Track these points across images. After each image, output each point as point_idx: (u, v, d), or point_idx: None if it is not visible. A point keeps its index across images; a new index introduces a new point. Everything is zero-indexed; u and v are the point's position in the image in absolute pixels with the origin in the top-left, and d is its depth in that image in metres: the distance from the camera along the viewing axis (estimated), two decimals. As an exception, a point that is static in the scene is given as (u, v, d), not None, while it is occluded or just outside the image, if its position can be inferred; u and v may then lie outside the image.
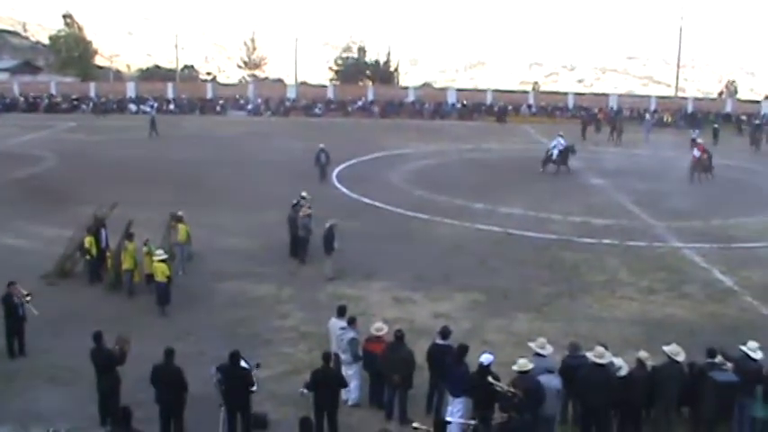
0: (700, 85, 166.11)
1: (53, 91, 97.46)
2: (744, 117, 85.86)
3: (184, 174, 46.89)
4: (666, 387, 16.28)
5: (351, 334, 17.79)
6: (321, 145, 46.36)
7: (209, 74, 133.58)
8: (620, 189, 44.31)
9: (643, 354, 16.68)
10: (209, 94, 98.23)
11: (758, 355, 16.53)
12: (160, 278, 23.48)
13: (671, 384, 16.27)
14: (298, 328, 22.54)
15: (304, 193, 31.27)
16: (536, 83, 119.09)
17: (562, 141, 50.75)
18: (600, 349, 16.12)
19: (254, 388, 16.20)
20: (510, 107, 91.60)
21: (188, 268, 27.53)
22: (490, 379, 15.40)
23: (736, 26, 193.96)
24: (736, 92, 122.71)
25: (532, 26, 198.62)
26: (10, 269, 24.37)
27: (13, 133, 68.20)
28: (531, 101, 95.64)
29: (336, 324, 18.39)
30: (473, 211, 38.15)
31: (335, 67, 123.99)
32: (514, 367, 15.72)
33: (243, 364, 16.08)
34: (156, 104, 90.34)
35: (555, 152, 50.18)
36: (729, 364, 16.54)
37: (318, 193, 37.13)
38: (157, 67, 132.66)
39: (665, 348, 16.70)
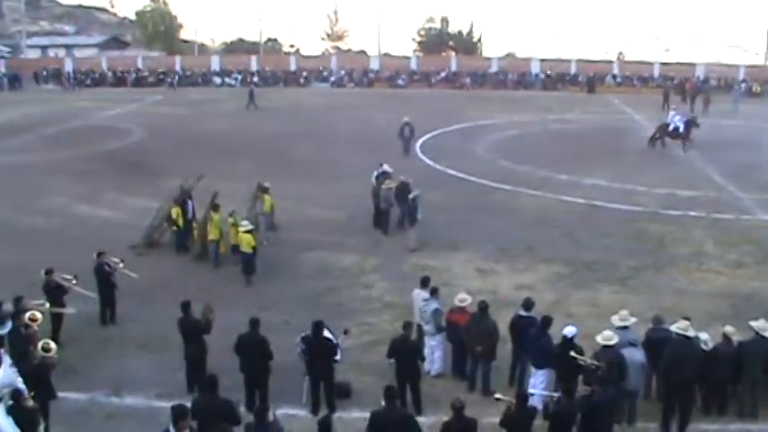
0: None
1: (140, 65, 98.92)
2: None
3: (269, 145, 47.36)
4: (753, 363, 15.95)
5: (434, 305, 17.83)
6: (405, 118, 45.29)
7: (292, 46, 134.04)
8: (707, 160, 43.42)
9: (729, 328, 16.44)
10: (293, 67, 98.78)
11: None
12: (246, 249, 23.74)
13: (758, 360, 15.95)
14: (382, 299, 22.65)
15: (385, 166, 31.29)
16: (621, 52, 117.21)
17: (679, 116, 49.75)
18: (685, 323, 15.88)
19: (338, 357, 16.36)
20: (589, 76, 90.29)
21: (272, 239, 27.80)
22: (573, 353, 15.34)
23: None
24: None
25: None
26: (100, 240, 25.00)
27: (102, 107, 69.47)
28: (616, 70, 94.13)
29: (420, 295, 18.45)
30: (557, 182, 37.83)
31: (418, 38, 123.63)
32: (598, 339, 15.61)
33: (327, 333, 16.23)
34: (255, 78, 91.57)
35: (680, 125, 48.67)
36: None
37: (402, 164, 37.22)
38: (241, 40, 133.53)
39: (753, 323, 16.40)
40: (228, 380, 15.04)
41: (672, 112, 50.39)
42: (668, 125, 48.26)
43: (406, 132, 44.63)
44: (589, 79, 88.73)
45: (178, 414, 11.98)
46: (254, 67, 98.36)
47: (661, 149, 46.68)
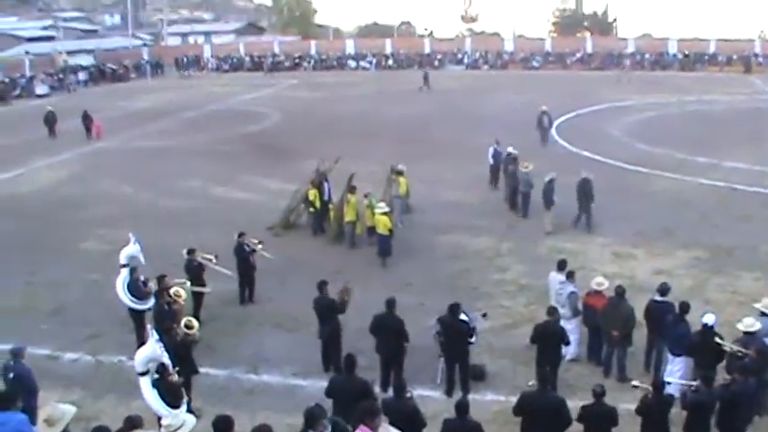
0: None
1: (276, 50, 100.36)
2: None
3: (404, 128, 47.61)
4: None
5: (570, 288, 17.68)
6: (543, 107, 43.10)
7: (426, 29, 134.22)
8: None
9: None
10: (427, 49, 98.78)
11: None
12: (382, 230, 23.96)
13: None
14: (517, 282, 22.59)
15: (511, 149, 31.29)
16: (762, 30, 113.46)
17: None
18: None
19: (473, 340, 16.37)
20: (735, 56, 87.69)
21: (407, 221, 27.99)
22: (718, 340, 14.98)
23: None
24: None
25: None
26: (239, 221, 25.62)
27: (239, 92, 70.95)
28: (758, 50, 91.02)
29: (556, 278, 18.33)
30: (695, 164, 36.96)
31: (553, 19, 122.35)
32: (740, 326, 15.23)
33: (462, 316, 16.24)
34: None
35: None
36: None
37: (540, 151, 37.21)
38: (375, 23, 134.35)
39: None
40: (363, 360, 15.19)
41: None
42: None
43: (545, 122, 42.57)
44: (745, 58, 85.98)
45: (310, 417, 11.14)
46: (388, 50, 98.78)
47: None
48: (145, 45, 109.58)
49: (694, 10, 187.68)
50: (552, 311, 16.26)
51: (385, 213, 24.03)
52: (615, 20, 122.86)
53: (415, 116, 52.84)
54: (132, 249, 19.35)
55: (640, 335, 17.27)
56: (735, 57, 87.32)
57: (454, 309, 16.06)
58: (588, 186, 26.81)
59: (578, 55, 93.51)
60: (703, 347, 15.12)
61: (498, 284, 22.45)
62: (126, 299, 18.48)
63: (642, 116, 52.79)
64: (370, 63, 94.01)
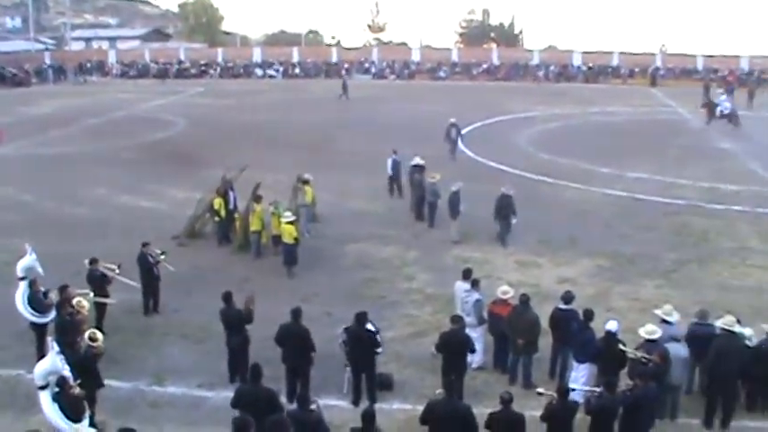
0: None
1: (182, 57, 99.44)
2: None
3: (310, 137, 47.44)
4: (799, 360, 15.81)
5: (475, 296, 17.82)
6: (452, 119, 42.04)
7: (333, 38, 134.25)
8: (751, 154, 43.00)
9: (772, 325, 16.28)
10: (334, 58, 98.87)
11: None
12: (288, 240, 23.81)
13: (804, 357, 15.80)
14: (423, 291, 22.65)
15: (417, 159, 31.41)
16: (663, 44, 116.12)
17: (728, 101, 51.39)
18: (730, 318, 15.76)
19: (380, 349, 16.38)
20: (637, 69, 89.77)
21: (314, 230, 27.90)
22: (622, 347, 15.27)
23: None
24: None
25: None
26: (143, 230, 25.26)
27: (145, 98, 70.04)
28: (659, 62, 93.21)
29: (461, 287, 18.43)
30: (599, 175, 37.64)
31: (460, 30, 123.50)
32: (642, 333, 15.54)
33: (369, 325, 16.23)
34: (346, 69, 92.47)
35: (727, 109, 51.48)
36: None
37: (445, 157, 37.46)
38: (283, 31, 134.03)
39: (798, 320, 16.26)
40: (270, 370, 15.08)
41: (723, 97, 52.69)
42: (717, 105, 51.01)
43: (453, 134, 41.41)
44: (652, 71, 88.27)
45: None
46: (295, 58, 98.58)
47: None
48: (47, 49, 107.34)
49: (598, 23, 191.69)
50: (457, 320, 16.32)
51: (291, 222, 23.89)
52: (521, 32, 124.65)
53: (322, 125, 52.79)
54: (28, 261, 18.72)
55: (545, 342, 17.44)
56: (637, 69, 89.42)
57: (360, 318, 16.05)
58: (508, 202, 26.76)
59: (484, 66, 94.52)
60: (607, 354, 15.39)
61: (405, 293, 22.49)
62: (26, 313, 17.94)
63: (547, 127, 53.57)
64: (277, 71, 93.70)
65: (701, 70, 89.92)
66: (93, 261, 19.84)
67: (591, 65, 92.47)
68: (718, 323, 15.79)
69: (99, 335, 15.39)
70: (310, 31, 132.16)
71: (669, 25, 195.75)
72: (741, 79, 78.99)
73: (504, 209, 26.67)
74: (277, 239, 24.99)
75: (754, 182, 36.77)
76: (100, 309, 19.37)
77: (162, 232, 26.41)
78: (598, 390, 14.10)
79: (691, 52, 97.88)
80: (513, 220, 26.72)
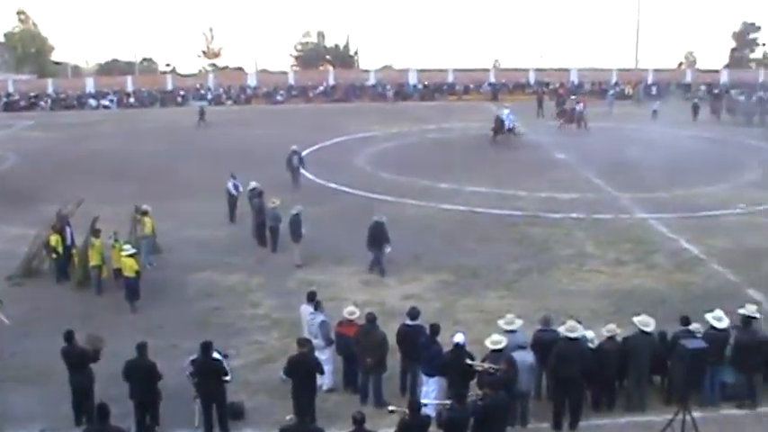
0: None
1: (10, 89, 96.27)
2: (703, 87, 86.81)
3: (148, 167, 46.64)
4: (638, 357, 16.54)
5: (320, 317, 17.82)
6: (293, 147, 40.85)
7: (168, 65, 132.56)
8: (585, 163, 44.52)
9: (611, 326, 16.89)
10: (170, 86, 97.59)
11: (723, 324, 16.85)
12: (129, 273, 23.32)
13: (642, 355, 16.55)
14: (269, 316, 22.52)
15: (253, 183, 31.38)
16: (496, 60, 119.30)
17: (511, 114, 54.49)
18: (571, 323, 16.27)
19: (228, 378, 16.18)
20: (472, 85, 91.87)
21: (156, 262, 27.40)
22: (470, 361, 15.50)
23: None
24: (695, 62, 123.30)
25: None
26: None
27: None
28: (492, 78, 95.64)
29: (307, 309, 18.38)
30: (439, 191, 38.22)
31: (295, 53, 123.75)
32: (488, 344, 15.85)
33: (216, 354, 16.04)
34: (204, 96, 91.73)
35: (511, 123, 53.82)
36: (698, 327, 16.83)
37: (287, 181, 37.81)
38: (116, 60, 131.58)
39: (635, 319, 16.96)
40: (117, 408, 14.69)
41: (506, 111, 54.65)
42: (503, 122, 53.10)
43: (295, 161, 40.17)
44: (493, 86, 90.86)
45: None
46: (129, 87, 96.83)
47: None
48: None
49: (432, 41, 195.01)
50: (303, 343, 16.27)
51: (131, 255, 23.43)
52: (357, 52, 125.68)
53: (158, 154, 51.89)
54: None
55: (394, 359, 17.55)
56: (472, 86, 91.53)
57: (206, 348, 15.81)
58: (380, 229, 26.37)
59: (321, 88, 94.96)
60: (455, 367, 15.58)
61: (251, 320, 22.30)
62: None
63: (385, 146, 54.17)
64: (112, 101, 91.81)
65: (533, 84, 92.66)
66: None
67: (427, 83, 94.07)
68: (561, 329, 16.24)
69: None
70: (144, 59, 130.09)
71: (501, 41, 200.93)
72: (571, 91, 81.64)
73: (378, 237, 26.29)
74: (118, 273, 24.43)
75: (589, 189, 38.07)
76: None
77: (-4, 272, 25.49)
78: (449, 402, 14.28)
79: (523, 66, 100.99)
80: (387, 249, 26.31)
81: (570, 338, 15.91)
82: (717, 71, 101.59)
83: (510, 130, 53.80)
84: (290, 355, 16.53)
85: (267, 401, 17.29)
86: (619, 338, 16.70)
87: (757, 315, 17.36)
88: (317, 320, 17.74)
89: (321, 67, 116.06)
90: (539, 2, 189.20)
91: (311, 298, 18.57)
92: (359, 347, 17.15)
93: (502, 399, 14.31)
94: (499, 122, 53.15)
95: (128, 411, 15.73)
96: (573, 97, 69.34)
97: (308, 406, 15.72)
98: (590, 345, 16.53)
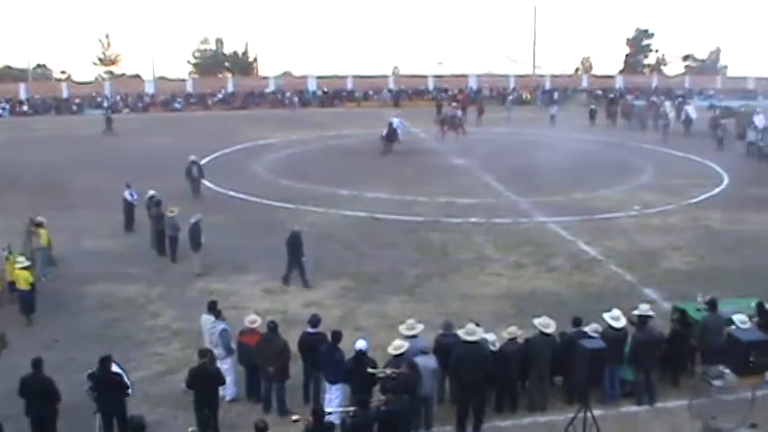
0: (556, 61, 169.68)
1: None
2: (599, 92, 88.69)
3: (42, 177, 45.50)
4: (538, 358, 16.87)
5: (221, 326, 17.67)
6: (192, 157, 39.75)
7: (63, 72, 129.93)
8: (484, 168, 45.11)
9: (512, 329, 17.17)
10: (65, 93, 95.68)
11: (620, 324, 17.29)
12: (23, 286, 22.79)
13: (543, 355, 16.88)
14: (170, 327, 22.24)
15: (151, 192, 31.20)
16: (396, 66, 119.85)
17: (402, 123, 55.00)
18: (471, 326, 16.42)
19: (129, 391, 15.93)
20: (371, 92, 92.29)
21: (51, 274, 26.82)
22: (370, 369, 15.53)
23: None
24: (591, 68, 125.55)
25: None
26: None
27: None
28: (392, 85, 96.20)
29: (207, 319, 18.24)
30: (339, 197, 38.27)
31: (194, 60, 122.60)
32: (390, 350, 15.94)
33: (115, 368, 15.77)
34: (108, 102, 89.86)
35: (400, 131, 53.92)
36: (596, 327, 17.16)
37: (185, 191, 37.47)
38: (8, 67, 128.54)
39: (536, 321, 17.27)
40: (12, 426, 14.39)
41: (396, 120, 55.32)
42: (396, 130, 53.40)
43: (194, 172, 39.06)
44: (395, 93, 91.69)
45: None
46: (22, 95, 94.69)
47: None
48: None
49: (331, 48, 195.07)
50: (204, 353, 16.13)
51: (26, 268, 22.92)
52: (256, 59, 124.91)
53: (51, 164, 50.54)
54: None
55: (297, 367, 17.51)
56: (371, 92, 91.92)
57: (105, 361, 15.53)
58: (298, 240, 26.12)
59: (220, 95, 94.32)
60: (358, 373, 15.62)
61: (151, 331, 21.98)
62: None
63: (285, 153, 54.04)
64: (4, 109, 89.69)
65: (431, 90, 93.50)
66: None
67: (326, 89, 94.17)
68: (461, 332, 16.39)
69: None
70: (38, 66, 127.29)
71: (401, 48, 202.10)
72: (470, 97, 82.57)
73: (296, 248, 26.02)
74: (12, 286, 23.85)
75: (487, 194, 38.57)
76: None
77: None
78: (352, 409, 14.29)
79: (422, 73, 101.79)
80: (303, 259, 26.03)
81: (468, 342, 16.07)
82: (612, 77, 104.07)
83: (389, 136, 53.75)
84: (191, 366, 16.35)
85: (169, 413, 17.08)
86: (520, 340, 16.97)
87: (651, 313, 17.83)
88: (217, 330, 17.58)
89: (220, 74, 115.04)
90: (437, 9, 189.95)
91: (212, 307, 18.42)
92: (260, 356, 17.05)
93: (405, 403, 14.40)
94: (392, 130, 53.21)
95: (25, 429, 15.40)
96: (454, 104, 69.96)
97: (212, 417, 15.60)
98: (492, 347, 16.73)
